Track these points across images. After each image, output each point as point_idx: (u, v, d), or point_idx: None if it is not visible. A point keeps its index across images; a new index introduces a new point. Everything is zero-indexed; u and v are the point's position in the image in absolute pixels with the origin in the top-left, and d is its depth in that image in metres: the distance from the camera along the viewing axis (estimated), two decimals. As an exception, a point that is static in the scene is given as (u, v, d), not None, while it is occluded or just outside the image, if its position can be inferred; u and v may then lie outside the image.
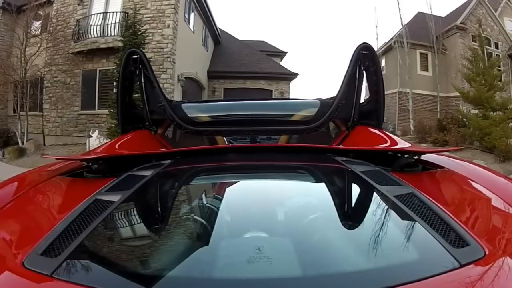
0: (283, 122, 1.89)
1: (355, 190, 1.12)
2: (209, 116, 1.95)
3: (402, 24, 15.19)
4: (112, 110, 9.00)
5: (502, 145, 8.03)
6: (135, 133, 1.72)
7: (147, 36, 9.97)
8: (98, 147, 1.48)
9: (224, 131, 1.97)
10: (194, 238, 0.82)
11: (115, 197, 0.85)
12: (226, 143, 2.09)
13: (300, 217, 0.93)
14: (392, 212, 0.85)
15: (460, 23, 15.11)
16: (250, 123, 1.82)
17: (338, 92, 1.71)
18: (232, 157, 1.51)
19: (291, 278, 0.59)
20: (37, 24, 11.51)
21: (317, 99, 1.92)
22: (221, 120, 1.92)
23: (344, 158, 1.33)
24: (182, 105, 1.91)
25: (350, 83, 1.66)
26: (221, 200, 1.05)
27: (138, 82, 1.70)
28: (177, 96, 10.81)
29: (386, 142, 1.38)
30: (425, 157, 1.17)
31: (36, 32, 11.22)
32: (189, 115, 1.89)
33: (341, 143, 1.69)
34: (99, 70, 11.08)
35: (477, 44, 11.74)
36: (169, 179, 1.22)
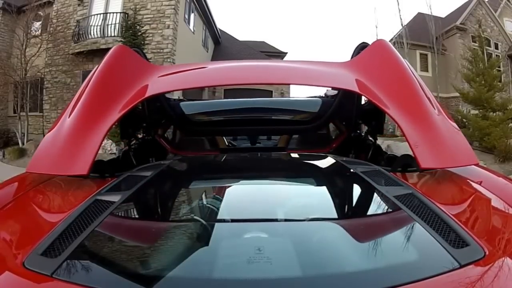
0: (284, 122, 1.87)
1: (355, 190, 1.11)
2: (208, 116, 1.93)
3: (402, 24, 15.20)
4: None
5: (502, 146, 8.02)
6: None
7: (147, 36, 9.98)
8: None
9: (224, 131, 1.95)
10: (194, 239, 0.82)
11: (115, 198, 0.84)
12: (226, 143, 2.08)
13: (300, 217, 0.93)
14: (392, 213, 0.85)
15: (460, 23, 15.12)
16: (250, 123, 1.80)
17: (339, 91, 1.70)
18: (231, 157, 1.51)
19: (291, 278, 0.59)
20: (37, 24, 11.52)
21: (319, 96, 1.89)
22: (221, 120, 1.90)
23: (344, 158, 1.32)
24: (181, 103, 1.88)
25: None
26: (221, 200, 1.05)
27: None
28: (177, 97, 10.82)
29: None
30: None
31: (36, 33, 11.23)
32: (188, 115, 1.87)
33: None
34: (99, 70, 11.08)
35: (477, 44, 11.74)
36: (169, 180, 1.22)
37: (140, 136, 1.78)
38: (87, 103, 1.12)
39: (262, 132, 1.89)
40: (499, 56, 14.16)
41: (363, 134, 1.79)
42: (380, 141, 1.70)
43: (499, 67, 12.62)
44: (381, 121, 1.62)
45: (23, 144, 10.49)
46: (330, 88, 1.82)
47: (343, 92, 1.66)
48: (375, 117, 1.64)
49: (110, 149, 9.20)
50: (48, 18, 11.69)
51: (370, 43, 1.49)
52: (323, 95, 1.91)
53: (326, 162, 1.47)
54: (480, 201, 0.92)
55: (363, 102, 1.69)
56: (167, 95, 1.87)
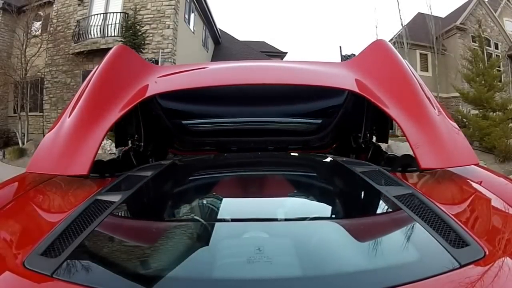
0: (288, 133, 1.80)
1: (355, 190, 1.11)
2: (208, 126, 1.84)
3: (402, 24, 15.20)
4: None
5: (502, 146, 8.02)
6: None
7: (147, 36, 9.98)
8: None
9: (223, 143, 1.87)
10: (194, 239, 0.82)
11: (115, 198, 0.85)
12: None
13: (300, 217, 0.93)
14: (392, 213, 0.85)
15: (460, 23, 15.12)
16: (252, 133, 1.74)
17: (347, 96, 1.63)
18: (231, 158, 1.51)
19: (291, 278, 0.59)
20: (37, 24, 11.52)
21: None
22: (220, 130, 1.80)
23: (344, 158, 1.32)
24: (180, 115, 1.78)
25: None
26: (221, 200, 1.05)
27: None
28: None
29: None
30: None
31: (37, 33, 11.23)
32: (186, 126, 1.82)
33: None
34: (100, 70, 11.07)
35: (477, 44, 11.74)
36: (168, 180, 1.22)
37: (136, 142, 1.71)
38: (87, 103, 1.12)
39: (265, 144, 1.78)
40: (499, 56, 14.14)
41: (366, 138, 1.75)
42: (380, 141, 1.68)
43: (499, 67, 12.62)
44: (386, 131, 1.58)
45: (23, 144, 10.49)
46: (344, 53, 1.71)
47: (348, 102, 1.62)
48: (381, 127, 1.60)
49: (109, 149, 9.19)
50: (48, 18, 11.69)
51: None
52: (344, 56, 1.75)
53: (326, 162, 1.47)
54: (480, 201, 0.92)
55: (367, 110, 1.62)
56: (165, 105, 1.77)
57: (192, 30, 13.32)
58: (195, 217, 0.95)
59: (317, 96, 1.70)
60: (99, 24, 10.90)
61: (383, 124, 1.55)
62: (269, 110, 1.77)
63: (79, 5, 11.42)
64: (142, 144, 1.63)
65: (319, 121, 1.77)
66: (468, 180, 1.01)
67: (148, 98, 1.18)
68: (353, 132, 1.67)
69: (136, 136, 1.64)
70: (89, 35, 10.93)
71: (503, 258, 0.60)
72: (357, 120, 1.62)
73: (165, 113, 1.72)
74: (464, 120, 9.57)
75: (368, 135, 1.65)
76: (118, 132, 1.57)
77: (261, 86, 1.55)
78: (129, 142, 1.67)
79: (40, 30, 11.48)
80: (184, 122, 1.79)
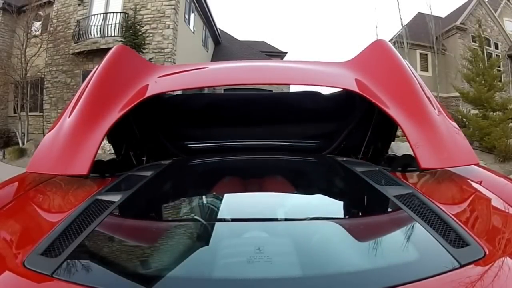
0: (286, 150, 1.72)
1: (355, 190, 1.11)
2: (207, 146, 1.78)
3: (402, 24, 15.21)
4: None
5: (502, 145, 8.02)
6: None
7: (148, 36, 9.98)
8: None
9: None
10: (194, 239, 0.82)
11: (115, 198, 0.85)
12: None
13: (300, 217, 0.93)
14: (392, 212, 0.85)
15: (460, 23, 15.13)
16: (251, 150, 1.66)
17: (352, 117, 1.61)
18: (232, 158, 1.50)
19: (291, 278, 0.59)
20: (37, 24, 11.53)
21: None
22: (220, 149, 1.74)
23: (344, 159, 1.33)
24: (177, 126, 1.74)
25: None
26: (221, 200, 1.05)
27: None
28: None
29: None
30: None
31: (37, 33, 11.24)
32: (187, 145, 1.75)
33: None
34: (100, 70, 11.06)
35: (477, 44, 11.74)
36: (169, 180, 1.22)
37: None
38: (87, 103, 1.12)
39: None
40: (499, 56, 14.16)
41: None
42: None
43: (499, 67, 12.62)
44: (388, 144, 1.56)
45: (23, 144, 10.49)
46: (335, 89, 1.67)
47: (353, 123, 1.61)
48: (383, 142, 1.57)
49: (109, 149, 9.20)
50: (48, 18, 11.69)
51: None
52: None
53: (326, 162, 1.47)
54: (480, 201, 0.92)
55: (372, 129, 1.58)
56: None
57: (192, 30, 13.32)
58: (195, 217, 0.95)
59: (321, 118, 1.69)
60: (99, 24, 10.90)
61: (386, 140, 1.53)
62: (269, 132, 1.75)
63: (79, 5, 11.41)
64: (144, 159, 1.60)
65: (320, 142, 1.74)
66: (468, 180, 1.01)
67: (148, 98, 1.18)
68: (356, 147, 1.66)
69: (138, 152, 1.61)
70: (89, 35, 10.93)
71: (503, 258, 0.60)
72: (361, 137, 1.61)
73: (163, 132, 1.69)
74: (464, 120, 9.57)
75: (369, 149, 1.64)
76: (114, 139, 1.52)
77: (263, 105, 1.56)
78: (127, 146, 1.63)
79: (40, 30, 11.48)
80: (184, 142, 1.75)
